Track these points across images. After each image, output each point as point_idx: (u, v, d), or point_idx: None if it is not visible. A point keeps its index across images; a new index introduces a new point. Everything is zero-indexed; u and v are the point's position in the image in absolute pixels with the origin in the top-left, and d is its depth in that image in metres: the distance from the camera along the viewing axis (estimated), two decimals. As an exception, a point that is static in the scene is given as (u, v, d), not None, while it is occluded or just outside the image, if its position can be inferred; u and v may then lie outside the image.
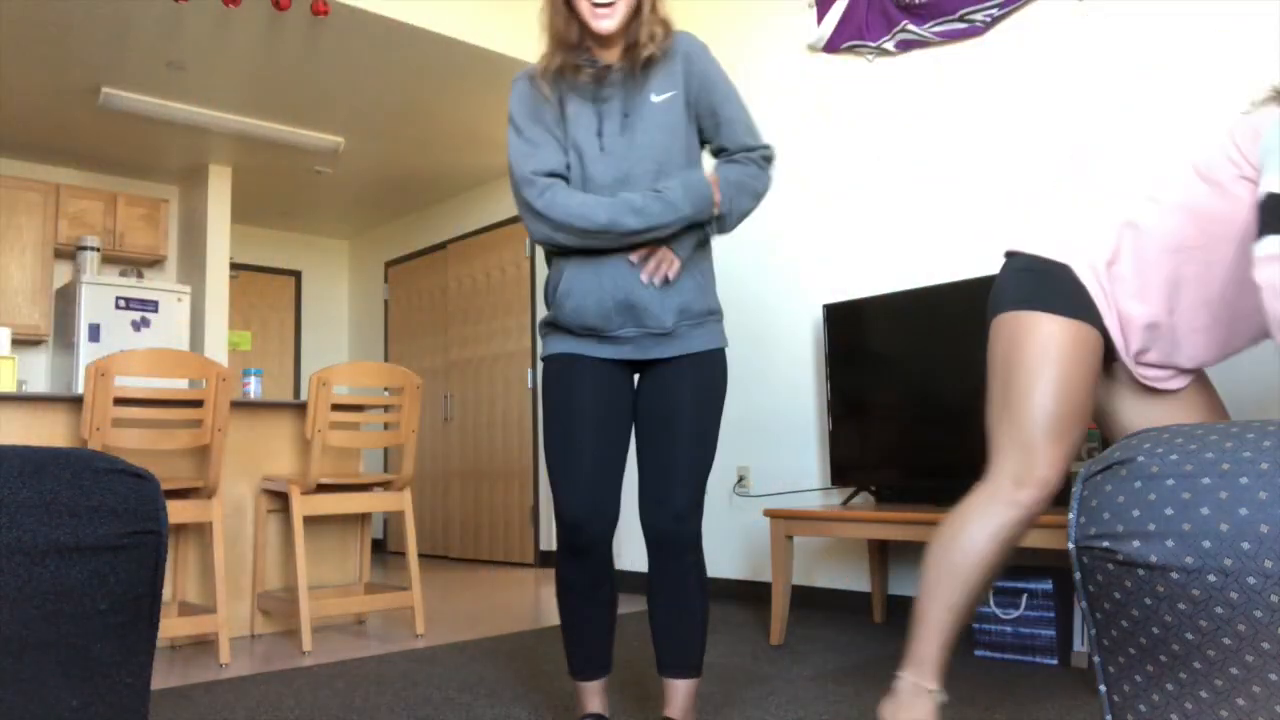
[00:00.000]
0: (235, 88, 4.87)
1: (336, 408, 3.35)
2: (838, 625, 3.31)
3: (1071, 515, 1.02)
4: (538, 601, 4.16)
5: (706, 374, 1.92)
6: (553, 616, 3.72)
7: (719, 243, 4.15)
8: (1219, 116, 2.79)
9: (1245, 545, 0.86)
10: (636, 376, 1.99)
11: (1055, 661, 2.66)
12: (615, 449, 1.91)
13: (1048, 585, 2.70)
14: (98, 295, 5.42)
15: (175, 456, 3.35)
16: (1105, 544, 0.97)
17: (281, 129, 5.37)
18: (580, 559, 1.91)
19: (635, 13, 1.84)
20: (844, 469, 3.37)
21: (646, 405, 1.94)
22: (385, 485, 3.52)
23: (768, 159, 1.95)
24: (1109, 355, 1.75)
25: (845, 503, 3.36)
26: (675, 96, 1.87)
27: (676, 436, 1.88)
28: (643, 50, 1.84)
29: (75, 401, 3.11)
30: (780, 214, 3.95)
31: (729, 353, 4.06)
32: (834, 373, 3.44)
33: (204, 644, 3.31)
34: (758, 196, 1.94)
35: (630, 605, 3.62)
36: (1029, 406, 1.65)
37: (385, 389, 3.72)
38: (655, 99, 1.86)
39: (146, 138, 5.47)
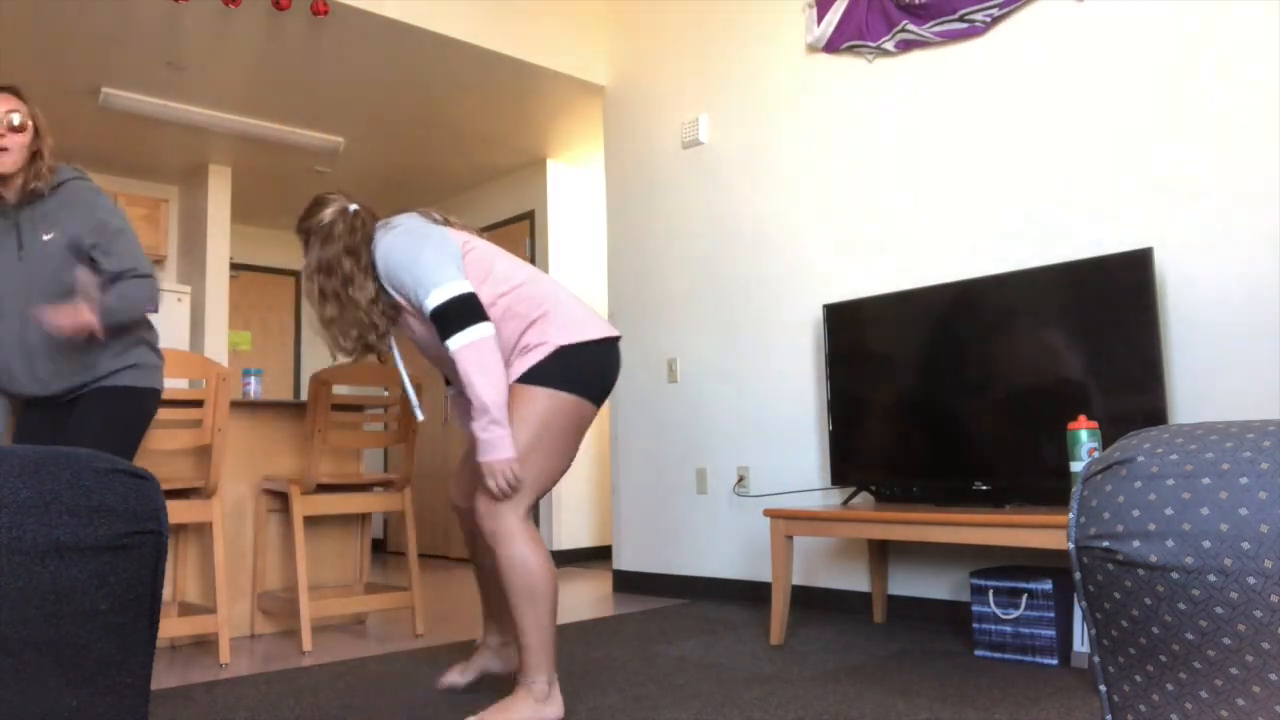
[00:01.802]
0: (235, 88, 4.87)
1: (336, 408, 3.35)
2: (838, 625, 3.31)
3: (1071, 515, 1.02)
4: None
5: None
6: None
7: (720, 242, 4.16)
8: (1219, 116, 2.79)
9: (1245, 545, 0.86)
10: None
11: (1055, 661, 2.66)
12: None
13: (1048, 585, 2.70)
14: (98, 295, 5.41)
15: (175, 456, 3.35)
16: (1105, 544, 0.97)
17: (281, 129, 5.37)
18: None
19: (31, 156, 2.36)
20: (844, 469, 3.37)
21: None
22: (385, 485, 3.52)
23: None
24: None
25: (845, 503, 3.36)
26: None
27: None
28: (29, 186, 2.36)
29: (75, 401, 3.10)
30: (780, 214, 3.95)
31: (731, 352, 4.06)
32: (834, 373, 3.44)
33: (204, 644, 3.31)
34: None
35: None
36: None
37: (385, 389, 3.72)
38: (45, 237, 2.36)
39: (146, 138, 5.47)
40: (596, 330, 2.22)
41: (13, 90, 2.39)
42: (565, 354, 2.17)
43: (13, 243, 2.39)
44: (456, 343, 2.10)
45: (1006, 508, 2.79)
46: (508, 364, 2.21)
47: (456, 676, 2.49)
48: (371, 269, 2.28)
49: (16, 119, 2.34)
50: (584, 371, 2.19)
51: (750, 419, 3.98)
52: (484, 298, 2.21)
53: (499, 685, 2.55)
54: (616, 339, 2.27)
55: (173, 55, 4.46)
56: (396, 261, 2.22)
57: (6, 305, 2.38)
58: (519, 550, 2.11)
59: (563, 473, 2.23)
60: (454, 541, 6.30)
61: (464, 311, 2.11)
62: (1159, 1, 2.92)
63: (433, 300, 2.14)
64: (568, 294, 2.28)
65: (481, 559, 2.53)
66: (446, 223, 2.35)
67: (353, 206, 2.35)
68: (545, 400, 2.15)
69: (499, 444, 2.08)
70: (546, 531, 5.59)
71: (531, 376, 2.16)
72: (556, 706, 2.10)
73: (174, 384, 4.70)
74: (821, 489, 3.68)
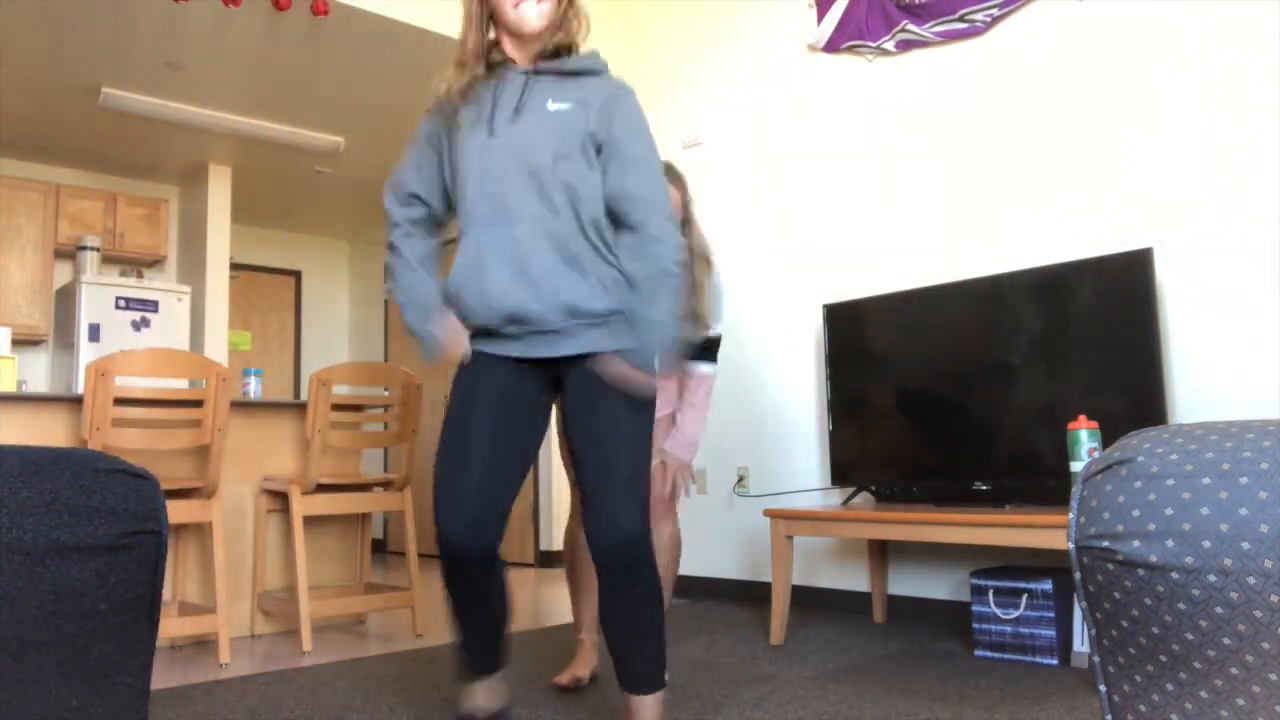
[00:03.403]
0: (235, 88, 4.87)
1: (336, 408, 3.35)
2: (838, 625, 3.31)
3: (1071, 515, 1.02)
4: (537, 601, 4.16)
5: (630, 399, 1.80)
6: (552, 616, 3.72)
7: (722, 239, 4.15)
8: (1220, 116, 2.79)
9: (1245, 545, 0.86)
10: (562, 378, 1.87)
11: (1055, 661, 2.66)
12: (508, 462, 1.81)
13: (1048, 585, 2.70)
14: (98, 295, 5.42)
15: (175, 456, 3.35)
16: (1105, 544, 0.97)
17: (281, 129, 5.37)
18: (459, 575, 1.80)
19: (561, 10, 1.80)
20: (844, 469, 3.37)
21: (570, 412, 1.83)
22: (385, 485, 3.51)
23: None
24: None
25: (845, 503, 3.36)
26: (574, 111, 1.79)
27: (602, 442, 1.77)
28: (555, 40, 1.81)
29: (75, 401, 3.10)
30: (780, 214, 3.94)
31: (731, 351, 4.06)
32: (834, 373, 3.44)
33: (204, 644, 3.31)
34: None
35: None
36: None
37: (385, 389, 3.72)
38: (552, 106, 1.78)
39: (146, 138, 5.47)
40: None
41: None
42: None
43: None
44: (712, 369, 2.58)
45: (1006, 508, 2.79)
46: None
47: (582, 672, 2.53)
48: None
49: None
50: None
51: (750, 419, 3.98)
52: None
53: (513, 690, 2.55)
54: None
55: (173, 55, 4.46)
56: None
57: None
58: None
59: None
60: (454, 541, 6.29)
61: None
62: (1159, 1, 2.92)
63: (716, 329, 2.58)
64: None
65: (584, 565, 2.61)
66: None
67: None
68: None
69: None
70: (546, 532, 5.59)
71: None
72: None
73: (174, 384, 4.69)
74: (821, 489, 3.68)
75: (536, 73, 1.82)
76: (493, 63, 1.83)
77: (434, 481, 1.80)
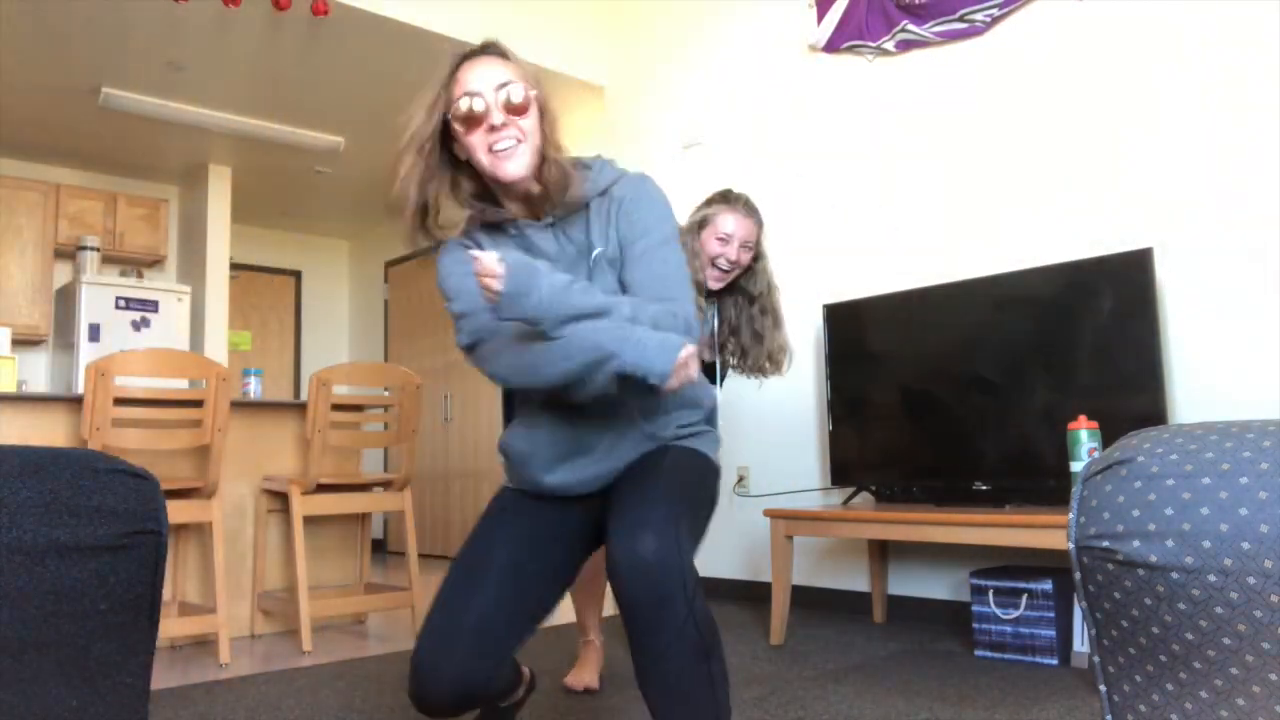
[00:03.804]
0: (235, 88, 4.87)
1: (336, 408, 3.35)
2: (838, 625, 3.31)
3: (1071, 515, 1.02)
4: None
5: (676, 452, 1.54)
6: (555, 616, 3.72)
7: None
8: (1220, 116, 2.79)
9: (1245, 545, 0.86)
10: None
11: (1055, 661, 2.66)
12: (519, 602, 1.49)
13: (1048, 585, 2.70)
14: (98, 295, 5.42)
15: (175, 456, 3.35)
16: (1105, 544, 0.96)
17: (281, 129, 5.37)
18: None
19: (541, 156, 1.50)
20: (844, 469, 3.37)
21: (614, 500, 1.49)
22: (385, 485, 3.51)
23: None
24: None
25: (845, 503, 3.36)
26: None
27: (645, 484, 1.45)
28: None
29: (75, 401, 3.10)
30: (780, 214, 3.94)
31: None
32: (834, 373, 3.44)
33: (204, 644, 3.31)
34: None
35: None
36: None
37: (385, 389, 3.72)
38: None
39: (146, 138, 5.47)
40: None
41: (498, 52, 1.60)
42: None
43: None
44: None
45: (1006, 508, 2.79)
46: None
47: (591, 679, 2.48)
48: None
49: (517, 94, 1.51)
50: None
51: (750, 419, 3.98)
52: None
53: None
54: None
55: (173, 55, 4.46)
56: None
57: None
58: None
59: None
60: (454, 541, 6.30)
61: None
62: (1159, 1, 2.92)
63: None
64: None
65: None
66: None
67: None
68: None
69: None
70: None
71: None
72: None
73: (174, 384, 4.69)
74: (821, 489, 3.68)
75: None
76: None
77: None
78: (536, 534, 1.53)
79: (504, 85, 1.50)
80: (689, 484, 1.49)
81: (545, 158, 1.51)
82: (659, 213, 1.56)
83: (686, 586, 1.30)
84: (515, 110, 1.49)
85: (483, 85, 1.49)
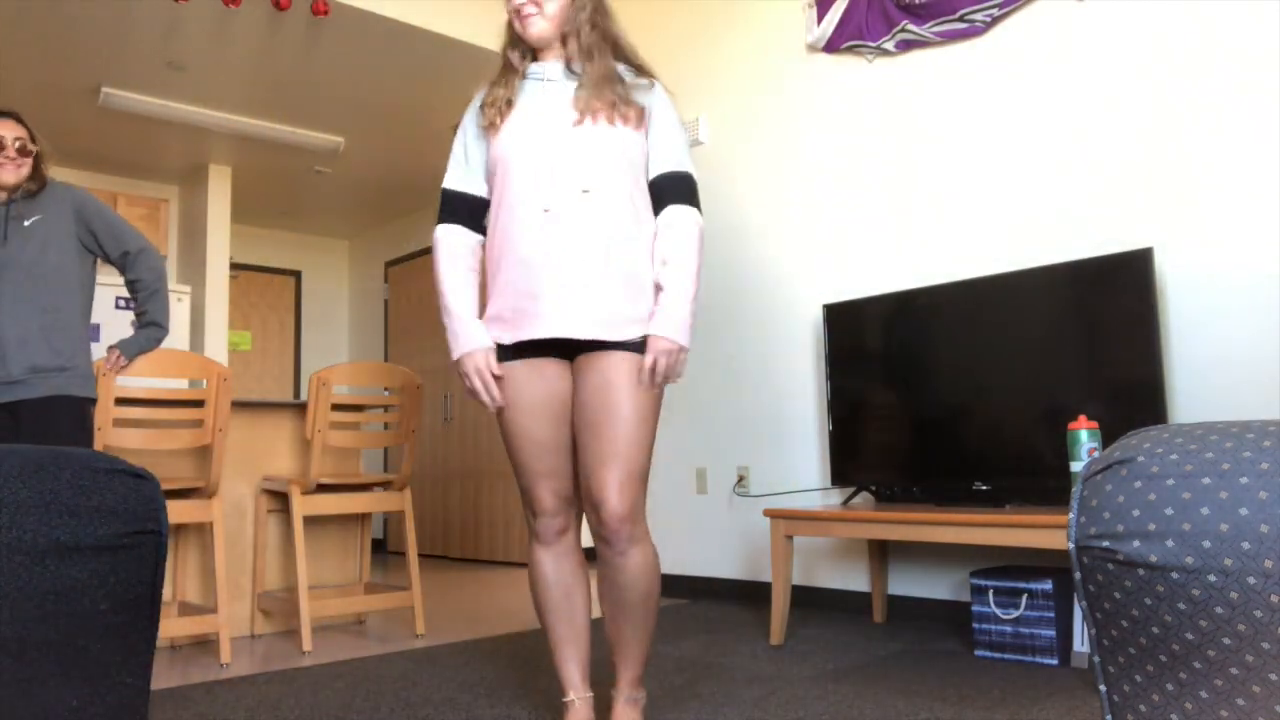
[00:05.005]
0: (235, 88, 4.87)
1: (336, 408, 3.35)
2: (838, 625, 3.31)
3: (1071, 515, 1.02)
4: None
5: None
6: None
7: (720, 242, 4.16)
8: (1220, 115, 2.79)
9: (1245, 545, 0.86)
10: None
11: (1055, 661, 2.66)
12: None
13: (1048, 585, 2.70)
14: (98, 295, 5.40)
15: (175, 456, 3.35)
16: (1105, 544, 0.97)
17: (281, 129, 5.37)
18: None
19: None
20: (844, 469, 3.37)
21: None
22: (385, 485, 3.52)
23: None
24: None
25: (845, 503, 3.36)
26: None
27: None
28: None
29: (75, 401, 3.10)
30: (780, 214, 3.94)
31: (731, 351, 4.06)
32: (834, 373, 3.44)
33: (204, 644, 3.31)
34: None
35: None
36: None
37: (385, 389, 3.72)
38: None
39: (146, 138, 5.48)
40: None
41: (14, 115, 2.79)
42: None
43: None
44: (697, 215, 2.05)
45: (1006, 508, 2.79)
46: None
47: None
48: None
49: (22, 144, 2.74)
50: None
51: (750, 419, 3.98)
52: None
53: (502, 686, 2.55)
54: None
55: (173, 55, 4.47)
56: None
57: None
58: (653, 548, 1.92)
59: None
60: (454, 541, 6.30)
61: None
62: (1159, 1, 2.92)
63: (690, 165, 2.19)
64: None
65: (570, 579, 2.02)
66: None
67: None
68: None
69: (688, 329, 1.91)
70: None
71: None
72: None
73: (174, 384, 4.69)
74: (821, 489, 3.68)
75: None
76: None
77: None
78: None
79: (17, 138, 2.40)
80: None
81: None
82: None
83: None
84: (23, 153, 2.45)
85: None
